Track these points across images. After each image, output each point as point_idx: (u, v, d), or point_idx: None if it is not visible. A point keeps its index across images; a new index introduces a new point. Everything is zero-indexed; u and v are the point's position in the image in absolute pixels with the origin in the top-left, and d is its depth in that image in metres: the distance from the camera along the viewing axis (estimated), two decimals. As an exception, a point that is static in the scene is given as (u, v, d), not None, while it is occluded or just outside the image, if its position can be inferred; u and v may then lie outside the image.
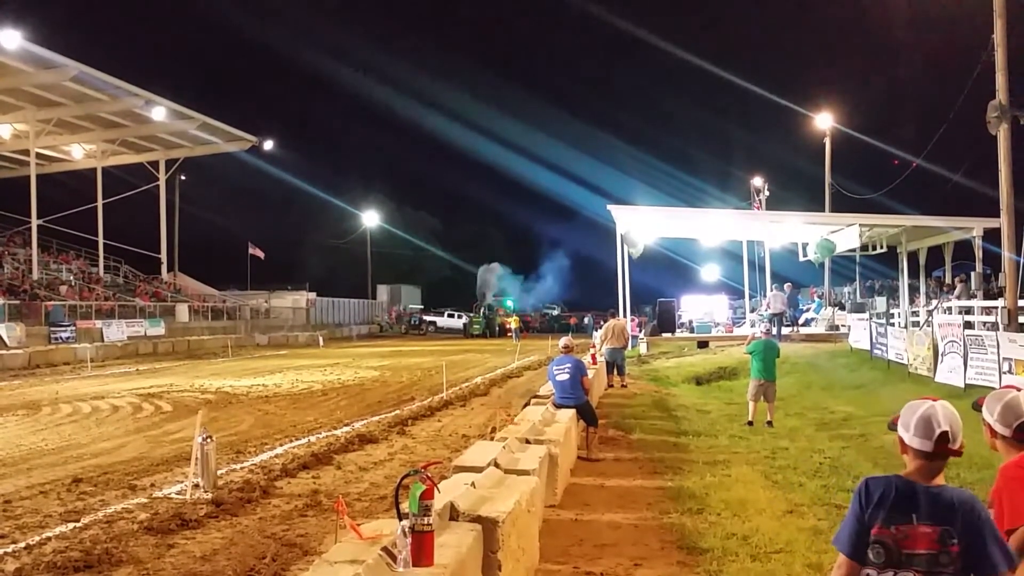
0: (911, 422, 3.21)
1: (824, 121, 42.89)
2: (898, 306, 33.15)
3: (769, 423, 15.13)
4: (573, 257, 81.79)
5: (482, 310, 66.83)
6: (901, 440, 3.26)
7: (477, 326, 64.34)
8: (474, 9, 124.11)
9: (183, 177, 60.89)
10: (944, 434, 3.14)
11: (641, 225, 33.20)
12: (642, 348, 31.76)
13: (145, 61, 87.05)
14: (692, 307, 37.32)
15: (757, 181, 49.61)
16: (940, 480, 3.18)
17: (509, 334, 59.60)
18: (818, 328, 33.92)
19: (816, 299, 37.56)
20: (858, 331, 26.79)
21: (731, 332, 33.71)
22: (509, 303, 73.07)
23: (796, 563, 6.99)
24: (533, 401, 13.61)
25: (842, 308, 36.66)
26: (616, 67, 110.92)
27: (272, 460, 12.09)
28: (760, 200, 48.16)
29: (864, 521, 3.16)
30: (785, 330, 32.23)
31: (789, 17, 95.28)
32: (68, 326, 38.57)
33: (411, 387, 23.04)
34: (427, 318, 72.94)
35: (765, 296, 34.98)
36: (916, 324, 25.66)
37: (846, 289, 45.27)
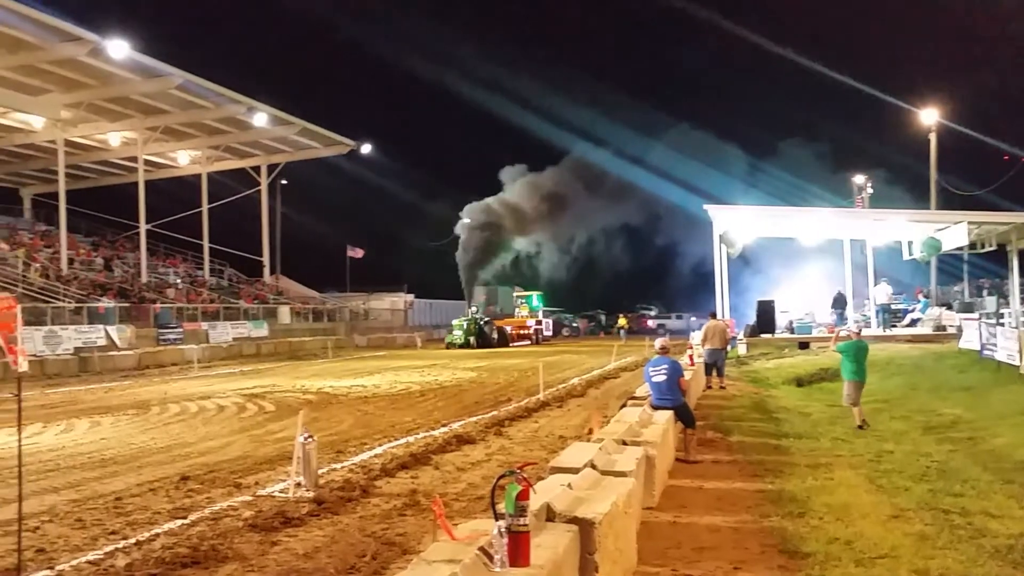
0: None
1: (929, 116, 41.76)
2: (1008, 306, 32.12)
3: (861, 425, 14.79)
4: (670, 256, 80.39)
5: (471, 314, 50.76)
6: None
7: (458, 335, 48.33)
8: (568, 11, 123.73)
9: (284, 181, 62.14)
10: None
11: (739, 225, 32.82)
12: (741, 349, 31.34)
13: (245, 67, 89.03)
14: (792, 307, 36.67)
15: (859, 178, 48.58)
16: None
17: (516, 342, 51.13)
18: (924, 329, 33.00)
19: (922, 299, 36.56)
20: (969, 331, 25.98)
21: (833, 333, 33.08)
22: (535, 300, 59.52)
23: (902, 569, 6.82)
24: (630, 402, 13.50)
25: (949, 308, 35.68)
26: (712, 63, 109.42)
27: (372, 460, 12.22)
28: (863, 198, 47.16)
29: None
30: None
31: (892, 9, 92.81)
32: (176, 328, 39.66)
33: (508, 388, 23.10)
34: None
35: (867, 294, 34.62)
36: (1028, 324, 24.78)
37: (955, 288, 44.06)
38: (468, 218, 59.75)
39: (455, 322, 50.20)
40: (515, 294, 61.45)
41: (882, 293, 33.43)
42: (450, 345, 47.72)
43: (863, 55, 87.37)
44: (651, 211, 62.75)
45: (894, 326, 33.18)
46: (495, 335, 49.54)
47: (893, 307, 34.67)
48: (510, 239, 61.92)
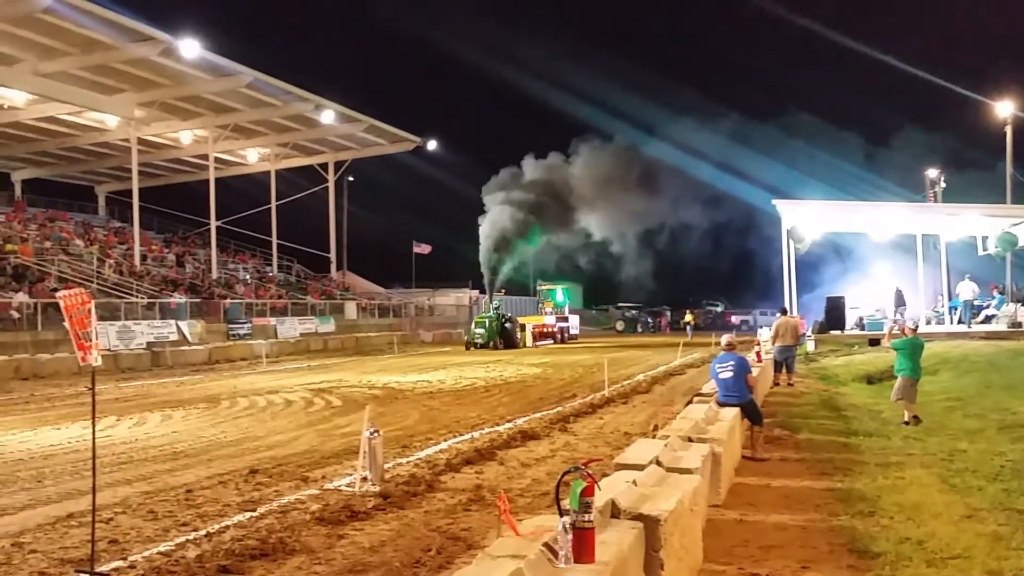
0: None
1: (1005, 109, 40.77)
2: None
3: (908, 422, 14.65)
4: (734, 252, 79.00)
5: (491, 310, 45.58)
6: None
7: (480, 334, 43.10)
8: (634, 10, 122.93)
9: (351, 178, 62.71)
10: None
11: (808, 220, 32.42)
12: (809, 346, 30.93)
13: (312, 65, 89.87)
14: (862, 303, 36.10)
15: (932, 172, 47.62)
16: None
17: (537, 341, 46.22)
18: (999, 325, 32.26)
19: (997, 295, 35.70)
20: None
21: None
22: (559, 295, 53.77)
23: (975, 570, 6.67)
24: (696, 399, 13.41)
25: (1026, 304, 34.83)
26: (777, 55, 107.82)
27: (437, 455, 12.27)
28: (935, 192, 46.23)
29: None
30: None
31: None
32: (245, 323, 40.28)
33: (572, 384, 23.07)
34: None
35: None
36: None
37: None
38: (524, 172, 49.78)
39: (476, 318, 45.91)
40: (539, 287, 56.87)
41: (967, 290, 32.94)
42: (470, 344, 43.04)
43: (937, 49, 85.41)
44: (738, 207, 60.10)
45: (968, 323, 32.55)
46: (519, 335, 44.84)
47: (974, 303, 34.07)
48: (574, 218, 51.71)
